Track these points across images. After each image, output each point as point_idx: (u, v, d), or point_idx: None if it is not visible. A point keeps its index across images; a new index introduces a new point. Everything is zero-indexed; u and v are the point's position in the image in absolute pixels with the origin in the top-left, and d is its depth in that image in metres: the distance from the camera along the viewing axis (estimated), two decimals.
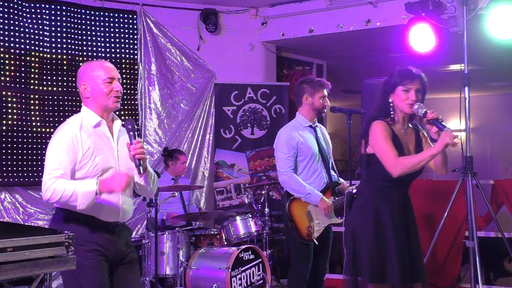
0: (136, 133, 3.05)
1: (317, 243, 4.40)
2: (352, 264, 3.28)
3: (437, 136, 3.19)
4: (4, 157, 5.74)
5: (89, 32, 6.38)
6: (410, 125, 3.37)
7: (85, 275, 2.92)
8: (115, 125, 3.14)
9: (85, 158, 2.96)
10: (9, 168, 5.77)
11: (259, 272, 5.33)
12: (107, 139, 3.07)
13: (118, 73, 3.13)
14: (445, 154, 3.32)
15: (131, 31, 6.64)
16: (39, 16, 6.04)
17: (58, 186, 2.86)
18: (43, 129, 6.00)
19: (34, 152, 5.93)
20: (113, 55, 6.49)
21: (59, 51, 6.15)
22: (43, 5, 6.07)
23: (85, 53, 6.33)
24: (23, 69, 5.89)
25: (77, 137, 2.97)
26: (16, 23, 5.87)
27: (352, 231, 3.31)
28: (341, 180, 4.63)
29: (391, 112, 3.28)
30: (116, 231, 3.07)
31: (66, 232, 2.40)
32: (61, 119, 6.08)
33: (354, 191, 3.45)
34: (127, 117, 6.48)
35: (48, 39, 6.09)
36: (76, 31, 6.29)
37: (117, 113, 3.22)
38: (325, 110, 4.60)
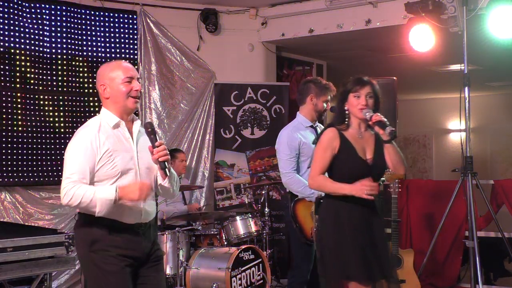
0: (156, 135, 3.06)
1: None
2: (322, 264, 3.45)
3: (386, 137, 3.42)
4: (4, 157, 5.73)
5: (89, 32, 6.38)
6: (369, 130, 3.55)
7: (108, 281, 2.92)
8: (134, 125, 3.13)
9: (104, 159, 2.94)
10: (9, 168, 5.77)
11: (259, 272, 5.33)
12: (126, 140, 3.06)
13: (137, 72, 3.12)
14: (399, 153, 3.51)
15: (131, 31, 6.63)
16: (39, 16, 6.04)
17: (78, 191, 2.84)
18: (43, 129, 6.00)
19: (34, 152, 5.93)
20: (113, 55, 6.49)
21: (59, 51, 6.15)
22: (43, 5, 6.07)
23: (85, 53, 6.32)
24: (22, 69, 5.88)
25: (96, 139, 2.95)
26: (16, 23, 5.86)
27: (319, 233, 3.51)
28: None
29: (346, 119, 3.50)
30: (140, 231, 3.04)
31: (66, 232, 2.40)
32: (61, 119, 6.10)
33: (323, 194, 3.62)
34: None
35: (48, 39, 6.08)
36: (76, 31, 6.28)
37: None
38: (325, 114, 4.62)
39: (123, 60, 3.25)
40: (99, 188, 2.88)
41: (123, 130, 3.07)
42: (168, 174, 3.07)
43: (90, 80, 6.23)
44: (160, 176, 3.12)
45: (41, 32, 6.04)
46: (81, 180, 2.88)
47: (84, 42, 6.34)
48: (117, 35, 6.54)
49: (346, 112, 3.48)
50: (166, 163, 3.02)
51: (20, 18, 5.90)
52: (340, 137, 3.46)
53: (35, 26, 6.01)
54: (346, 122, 3.49)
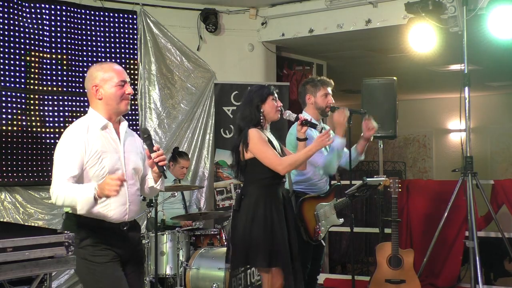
0: (152, 140, 3.10)
1: (324, 243, 4.50)
2: (244, 255, 3.79)
3: (303, 136, 3.92)
4: (4, 157, 5.73)
5: (89, 32, 6.38)
6: (271, 131, 4.03)
7: (100, 270, 2.96)
8: (121, 126, 3.15)
9: (92, 161, 2.97)
10: (9, 168, 5.77)
11: (259, 272, 5.32)
12: (114, 141, 3.08)
13: (127, 75, 3.16)
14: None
15: (131, 31, 6.63)
16: (39, 16, 6.04)
17: (61, 191, 2.88)
18: (43, 129, 6.00)
19: (34, 152, 5.93)
20: (113, 55, 6.49)
21: (59, 51, 6.15)
22: (43, 5, 6.07)
23: (85, 53, 6.32)
24: (23, 69, 5.89)
25: (84, 140, 2.97)
26: (16, 23, 5.86)
27: (249, 227, 3.77)
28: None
29: (261, 120, 3.88)
30: (125, 230, 3.08)
31: (65, 232, 2.40)
32: (61, 119, 6.09)
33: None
34: (127, 117, 6.47)
35: (48, 39, 6.08)
36: (76, 31, 6.28)
37: None
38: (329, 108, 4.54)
39: (114, 63, 3.27)
40: (80, 187, 2.91)
41: (111, 132, 3.09)
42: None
43: None
44: (152, 179, 3.19)
45: (41, 32, 6.04)
46: (69, 180, 2.91)
47: (84, 42, 6.34)
48: (117, 35, 6.54)
49: (262, 112, 3.87)
50: (164, 167, 3.09)
51: (20, 18, 5.90)
52: (265, 135, 3.87)
53: (35, 26, 6.01)
54: (261, 124, 3.88)
